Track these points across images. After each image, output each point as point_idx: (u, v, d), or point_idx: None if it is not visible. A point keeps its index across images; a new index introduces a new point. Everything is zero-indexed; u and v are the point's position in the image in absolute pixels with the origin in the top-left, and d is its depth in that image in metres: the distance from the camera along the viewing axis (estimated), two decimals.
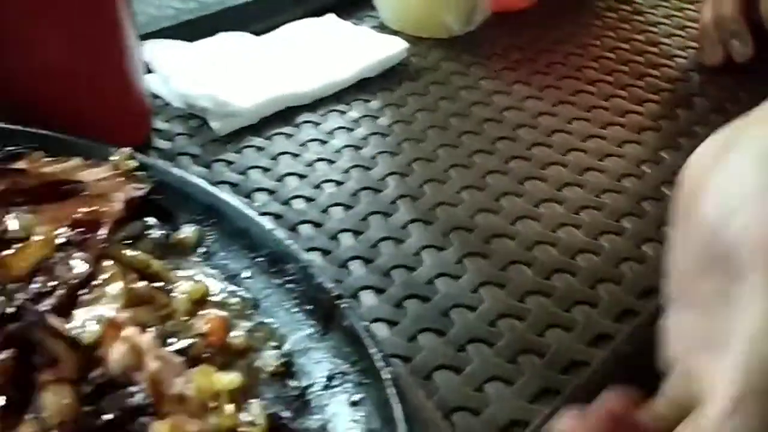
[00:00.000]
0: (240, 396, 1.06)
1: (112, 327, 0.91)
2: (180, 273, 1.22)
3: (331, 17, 2.30)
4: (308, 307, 1.16)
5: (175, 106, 1.91)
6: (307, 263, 1.18)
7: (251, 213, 1.27)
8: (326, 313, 1.13)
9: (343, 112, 1.97)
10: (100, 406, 0.87)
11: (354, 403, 1.04)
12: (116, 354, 0.90)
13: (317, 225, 1.56)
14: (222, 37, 2.11)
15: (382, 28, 2.31)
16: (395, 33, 2.24)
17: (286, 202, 1.62)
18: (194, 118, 1.88)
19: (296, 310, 1.17)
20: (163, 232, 1.29)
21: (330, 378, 1.08)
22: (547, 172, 1.78)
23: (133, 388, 0.87)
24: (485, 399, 1.23)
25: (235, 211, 1.28)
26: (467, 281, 1.45)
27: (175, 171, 1.36)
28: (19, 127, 1.42)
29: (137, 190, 1.27)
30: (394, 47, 2.14)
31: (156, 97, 1.89)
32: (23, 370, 0.91)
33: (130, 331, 0.91)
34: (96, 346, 0.91)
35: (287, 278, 1.20)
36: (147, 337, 0.91)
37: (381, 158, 1.80)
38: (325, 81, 2.00)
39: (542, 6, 2.52)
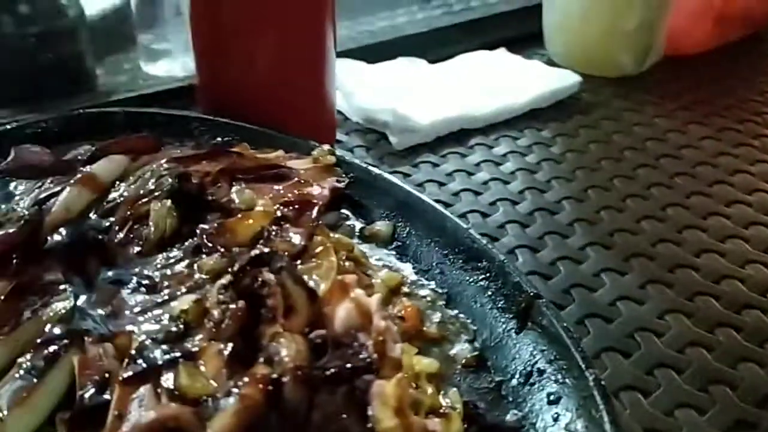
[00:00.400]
0: (437, 381, 1.07)
1: (341, 287, 0.94)
2: (375, 262, 1.26)
3: (502, 51, 2.34)
4: (503, 304, 1.15)
5: (354, 121, 1.99)
6: (503, 261, 1.18)
7: (446, 212, 1.29)
8: (523, 310, 1.12)
9: (515, 138, 1.98)
10: (324, 361, 0.90)
11: (552, 401, 1.02)
12: (343, 312, 0.93)
13: (493, 239, 1.57)
14: (401, 61, 2.19)
15: (551, 64, 2.33)
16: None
17: (462, 215, 1.64)
18: (372, 133, 1.95)
19: (490, 306, 1.17)
20: (359, 223, 1.34)
21: (527, 374, 1.06)
22: (730, 209, 1.72)
23: (358, 346, 0.90)
24: (677, 425, 1.17)
25: (430, 208, 1.31)
26: (651, 307, 1.41)
27: (372, 169, 1.41)
28: (229, 120, 1.53)
29: (339, 181, 1.33)
30: (567, 80, 2.15)
31: (338, 112, 1.98)
32: (252, 321, 0.95)
33: (358, 292, 0.94)
34: (323, 305, 0.94)
35: (481, 275, 1.20)
36: (375, 299, 0.93)
37: (555, 183, 1.79)
38: (498, 107, 2.03)
39: (715, 51, 2.46)
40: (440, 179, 1.78)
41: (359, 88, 1.97)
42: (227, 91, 1.57)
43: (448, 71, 2.18)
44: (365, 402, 0.87)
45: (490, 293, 1.19)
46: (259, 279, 0.99)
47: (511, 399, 1.06)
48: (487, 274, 1.21)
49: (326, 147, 1.40)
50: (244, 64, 1.55)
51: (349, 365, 0.88)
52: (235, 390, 0.83)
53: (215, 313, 1.00)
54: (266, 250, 1.00)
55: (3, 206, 1.29)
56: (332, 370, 0.88)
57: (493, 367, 1.11)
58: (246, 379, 0.84)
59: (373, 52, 2.16)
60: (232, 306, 0.96)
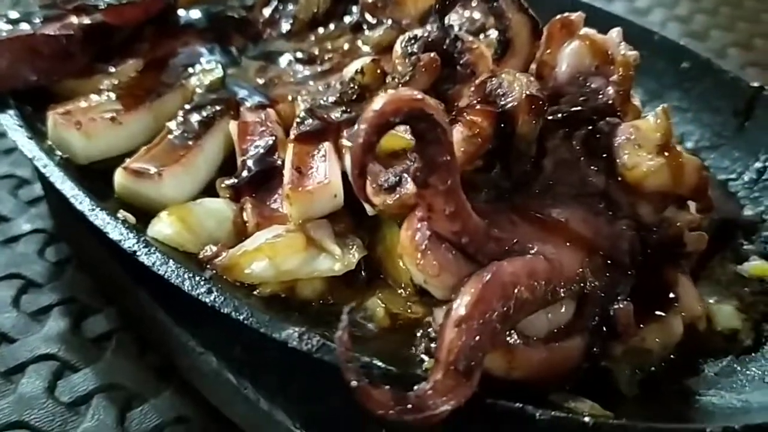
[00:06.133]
0: None
1: (564, 25, 0.78)
2: None
3: None
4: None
5: None
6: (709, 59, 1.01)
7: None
8: (747, 103, 0.95)
9: None
10: (557, 103, 0.75)
11: None
12: (571, 53, 0.77)
13: None
14: None
15: None
16: None
17: None
18: None
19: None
20: None
21: (760, 170, 0.90)
22: None
23: (599, 85, 0.74)
24: None
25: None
26: None
27: None
28: None
29: None
30: None
31: None
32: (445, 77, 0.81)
33: (588, 30, 0.78)
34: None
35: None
36: (615, 32, 0.77)
37: None
38: None
39: None
40: None
41: None
42: None
43: None
44: (609, 147, 0.72)
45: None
46: (450, 33, 0.84)
47: (743, 195, 0.90)
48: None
49: None
50: None
51: (588, 105, 0.72)
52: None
53: (399, 68, 0.85)
54: None
55: None
56: (570, 110, 0.72)
57: (711, 167, 0.94)
58: (477, 107, 0.70)
59: None
60: (424, 56, 0.81)
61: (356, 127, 0.58)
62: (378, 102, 0.59)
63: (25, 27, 1.09)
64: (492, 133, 0.72)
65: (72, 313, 0.96)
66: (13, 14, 1.13)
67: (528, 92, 0.72)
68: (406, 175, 0.72)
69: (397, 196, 0.72)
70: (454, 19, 1.02)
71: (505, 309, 0.62)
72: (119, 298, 0.94)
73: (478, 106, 0.74)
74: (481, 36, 1.01)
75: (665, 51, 1.15)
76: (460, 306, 0.61)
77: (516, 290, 0.64)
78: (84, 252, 1.00)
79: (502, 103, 0.74)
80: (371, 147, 0.59)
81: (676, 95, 1.09)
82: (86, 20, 1.09)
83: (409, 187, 0.71)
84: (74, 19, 1.10)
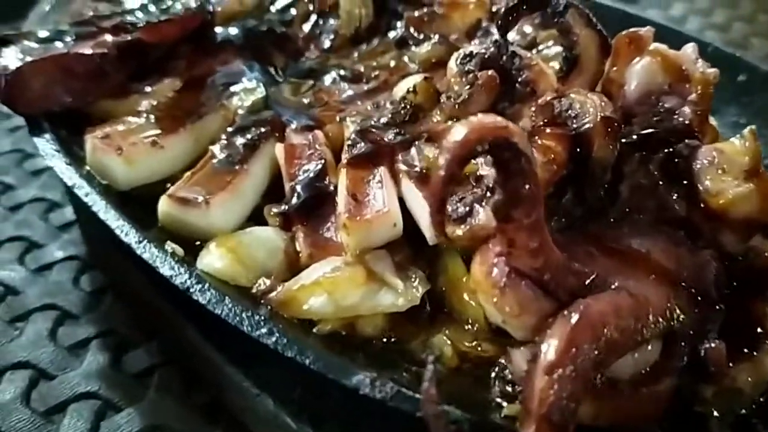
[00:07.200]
0: None
1: (632, 40, 0.73)
2: None
3: None
4: None
5: None
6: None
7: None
8: None
9: None
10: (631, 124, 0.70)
11: None
12: (641, 70, 0.72)
13: None
14: None
15: None
16: None
17: None
18: None
19: None
20: None
21: None
22: None
23: (674, 105, 0.70)
24: None
25: None
26: None
27: None
28: None
29: None
30: None
31: None
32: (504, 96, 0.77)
33: (659, 45, 0.73)
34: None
35: None
36: (689, 47, 0.72)
37: None
38: None
39: None
40: None
41: None
42: None
43: None
44: (689, 171, 0.68)
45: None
46: (508, 50, 0.80)
47: None
48: None
49: None
50: None
51: (663, 126, 0.68)
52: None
53: (456, 87, 0.81)
54: None
55: (171, 3, 1.10)
56: (645, 132, 0.68)
57: None
58: (547, 130, 0.65)
59: None
60: (482, 74, 0.77)
61: (439, 160, 0.53)
62: (459, 131, 0.54)
63: (57, 46, 1.05)
64: (567, 158, 0.68)
65: (111, 346, 0.92)
66: (43, 33, 1.09)
67: (603, 114, 0.67)
68: (477, 205, 0.67)
69: (468, 227, 0.67)
70: (497, 35, 0.98)
71: (596, 353, 0.58)
72: (162, 330, 0.89)
73: (548, 130, 0.70)
74: (534, 51, 0.97)
75: (720, 63, 1.09)
76: (549, 351, 0.57)
77: (606, 331, 0.59)
78: (122, 281, 0.96)
79: (575, 125, 0.70)
80: (453, 180, 0.54)
81: (734, 110, 1.04)
82: (120, 38, 1.06)
83: (482, 217, 0.67)
84: (108, 37, 1.06)
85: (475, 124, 0.54)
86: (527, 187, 0.56)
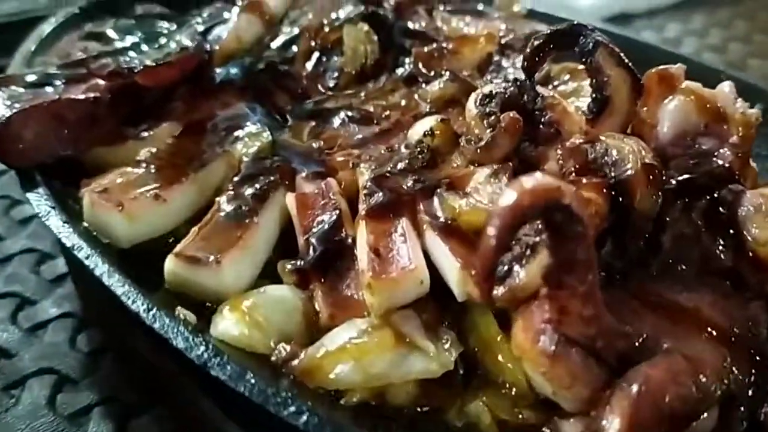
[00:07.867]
0: None
1: (662, 78, 0.70)
2: None
3: None
4: None
5: None
6: None
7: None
8: None
9: None
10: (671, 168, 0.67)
11: None
12: (674, 109, 0.69)
13: None
14: None
15: None
16: None
17: None
18: None
19: None
20: None
21: None
22: None
23: (711, 148, 0.66)
24: None
25: None
26: None
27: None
28: None
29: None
30: None
31: None
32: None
33: (692, 84, 0.70)
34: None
35: None
36: (726, 85, 0.69)
37: None
38: None
39: None
40: None
41: None
42: None
43: None
44: (734, 218, 0.64)
45: None
46: (530, 90, 0.76)
47: None
48: None
49: None
50: None
51: (701, 170, 0.64)
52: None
53: (476, 130, 0.77)
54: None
55: (164, 41, 1.05)
56: (686, 177, 0.64)
57: None
58: (584, 180, 0.61)
59: None
60: (504, 116, 0.73)
61: (487, 228, 0.49)
62: (510, 195, 0.50)
63: (47, 91, 1.00)
64: (609, 209, 0.64)
65: (115, 415, 0.86)
66: (31, 77, 1.03)
67: (644, 161, 0.63)
68: (516, 265, 0.63)
69: (508, 288, 0.63)
70: (509, 70, 0.95)
71: (660, 427, 0.53)
72: (168, 395, 0.84)
73: (584, 180, 0.66)
74: (549, 87, 0.93)
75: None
76: (612, 428, 0.52)
77: (667, 401, 0.55)
78: (123, 342, 0.90)
79: (614, 174, 0.66)
80: (504, 248, 0.50)
81: (754, 141, 1.00)
82: (113, 81, 1.01)
83: (522, 278, 0.62)
84: (99, 81, 1.01)
85: (527, 187, 0.50)
86: (582, 252, 0.52)
